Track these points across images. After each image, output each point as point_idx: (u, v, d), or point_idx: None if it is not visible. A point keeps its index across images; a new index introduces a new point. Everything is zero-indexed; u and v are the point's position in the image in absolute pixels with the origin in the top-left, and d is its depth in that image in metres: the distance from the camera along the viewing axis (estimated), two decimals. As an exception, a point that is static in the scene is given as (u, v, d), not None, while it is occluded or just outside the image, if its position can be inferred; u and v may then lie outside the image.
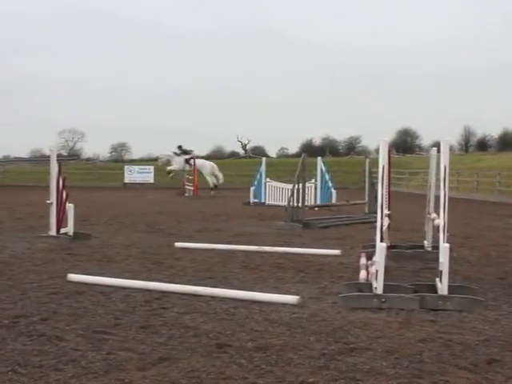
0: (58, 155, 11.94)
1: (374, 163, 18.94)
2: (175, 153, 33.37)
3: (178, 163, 32.77)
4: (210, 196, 29.24)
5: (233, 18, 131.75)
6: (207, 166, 32.41)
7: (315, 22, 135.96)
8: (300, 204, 15.64)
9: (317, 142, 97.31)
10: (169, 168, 33.39)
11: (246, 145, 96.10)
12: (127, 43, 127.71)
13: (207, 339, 5.32)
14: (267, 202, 24.24)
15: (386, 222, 7.42)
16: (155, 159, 74.13)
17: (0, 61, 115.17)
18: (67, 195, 12.16)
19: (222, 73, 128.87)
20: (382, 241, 6.94)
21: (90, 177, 44.71)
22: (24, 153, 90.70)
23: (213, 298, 6.89)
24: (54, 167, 11.95)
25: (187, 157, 32.41)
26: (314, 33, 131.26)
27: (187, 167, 32.02)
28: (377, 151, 71.96)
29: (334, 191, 22.80)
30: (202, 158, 38.95)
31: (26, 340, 5.26)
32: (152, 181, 42.22)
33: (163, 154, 34.49)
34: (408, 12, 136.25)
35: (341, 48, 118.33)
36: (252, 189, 25.34)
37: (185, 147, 33.59)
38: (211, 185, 31.72)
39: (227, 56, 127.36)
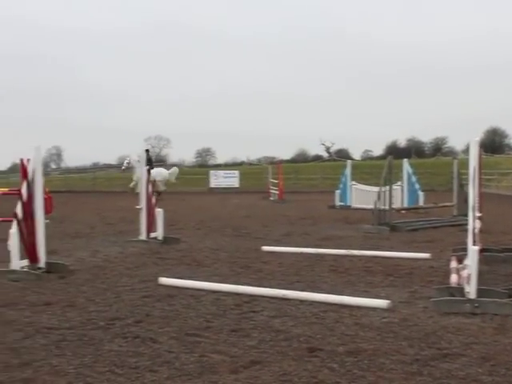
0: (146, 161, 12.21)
1: (462, 164, 18.60)
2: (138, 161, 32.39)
3: (137, 174, 31.42)
4: (295, 200, 29.18)
5: (305, 20, 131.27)
6: (163, 174, 33.43)
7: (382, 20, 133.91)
8: (387, 207, 15.44)
9: (402, 143, 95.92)
10: (133, 183, 31.98)
11: (329, 148, 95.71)
12: (198, 52, 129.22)
13: (298, 343, 5.32)
14: (353, 205, 24.04)
15: (478, 224, 7.24)
16: (240, 164, 74.99)
17: (90, 74, 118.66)
18: (157, 200, 12.42)
19: (301, 76, 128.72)
20: (474, 244, 6.78)
21: (176, 182, 45.48)
22: (112, 159, 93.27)
23: (302, 301, 6.88)
24: (144, 174, 12.21)
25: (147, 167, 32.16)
26: (385, 32, 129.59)
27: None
28: (464, 152, 70.36)
29: (421, 193, 22.45)
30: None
31: (121, 341, 5.40)
32: (237, 185, 42.58)
33: (129, 159, 33.38)
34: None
35: (417, 46, 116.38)
36: (337, 192, 25.20)
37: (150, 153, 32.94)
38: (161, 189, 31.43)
39: (305, 59, 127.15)
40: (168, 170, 34.39)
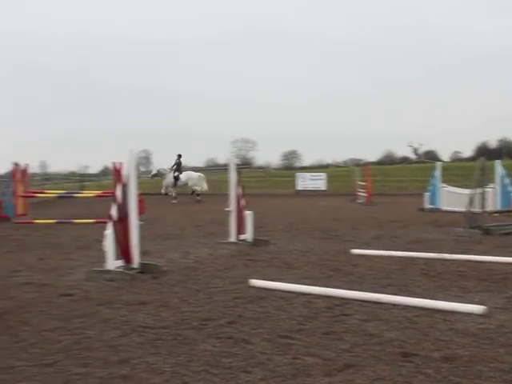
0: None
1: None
2: (170, 168, 32.75)
3: (169, 180, 32.55)
4: (383, 202, 28.80)
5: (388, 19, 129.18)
6: (194, 177, 32.95)
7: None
8: (479, 209, 15.05)
9: (492, 144, 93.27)
10: (163, 189, 33.09)
11: (417, 149, 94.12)
12: (285, 55, 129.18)
13: (392, 347, 5.26)
14: (443, 208, 23.53)
15: None
16: (326, 166, 74.71)
17: (177, 80, 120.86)
18: (246, 203, 12.53)
19: (384, 76, 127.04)
20: None
21: (263, 184, 45.73)
22: (199, 162, 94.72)
23: (394, 305, 6.80)
24: (233, 176, 12.34)
25: (176, 174, 32.10)
26: (469, 24, 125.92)
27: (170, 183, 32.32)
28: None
29: (514, 196, 21.74)
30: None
31: (215, 342, 5.48)
32: (324, 188, 42.40)
33: (160, 168, 33.86)
34: None
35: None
36: (427, 194, 24.72)
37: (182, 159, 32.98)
38: (198, 190, 32.45)
39: (390, 58, 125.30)
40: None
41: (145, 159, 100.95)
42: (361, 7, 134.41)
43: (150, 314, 6.52)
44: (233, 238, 12.31)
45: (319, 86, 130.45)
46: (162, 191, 32.65)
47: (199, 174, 34.18)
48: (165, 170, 32.72)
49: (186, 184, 32.38)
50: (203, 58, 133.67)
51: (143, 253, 9.78)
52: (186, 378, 4.52)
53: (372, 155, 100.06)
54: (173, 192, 31.89)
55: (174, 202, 30.30)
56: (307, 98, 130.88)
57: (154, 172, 34.23)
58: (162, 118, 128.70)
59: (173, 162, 32.73)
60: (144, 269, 9.11)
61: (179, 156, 32.52)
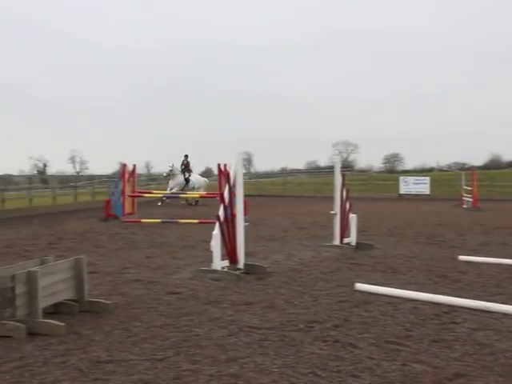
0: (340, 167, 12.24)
1: None
2: (181, 169, 29.82)
3: (177, 181, 29.47)
4: (490, 208, 27.93)
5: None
6: (203, 183, 30.72)
7: None
8: None
9: None
10: (168, 189, 29.41)
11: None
12: (383, 56, 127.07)
13: (504, 358, 5.10)
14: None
15: None
16: (429, 170, 73.21)
17: (278, 84, 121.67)
18: (350, 206, 12.46)
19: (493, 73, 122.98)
20: None
21: (365, 187, 45.22)
22: (300, 165, 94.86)
23: (505, 315, 6.59)
24: (338, 179, 12.29)
25: (187, 176, 29.64)
26: None
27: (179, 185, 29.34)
28: None
29: None
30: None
31: (321, 345, 5.48)
32: (428, 192, 41.53)
33: (172, 165, 29.83)
34: None
35: None
36: (537, 201, 23.82)
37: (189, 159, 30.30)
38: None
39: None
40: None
41: (246, 161, 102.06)
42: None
43: (256, 315, 6.60)
44: (337, 241, 12.25)
45: (422, 84, 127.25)
46: (168, 191, 28.78)
47: (205, 179, 32.36)
48: (177, 169, 29.65)
49: (193, 188, 29.60)
50: (304, 62, 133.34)
51: (248, 254, 9.89)
52: (294, 380, 4.55)
53: (477, 158, 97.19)
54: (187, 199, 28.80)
55: (159, 204, 28.08)
56: (409, 97, 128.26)
57: (168, 170, 30.09)
58: (263, 121, 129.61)
59: (180, 163, 30.14)
60: (249, 269, 9.23)
61: (186, 156, 30.18)
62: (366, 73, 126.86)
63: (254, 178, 54.38)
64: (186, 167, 29.78)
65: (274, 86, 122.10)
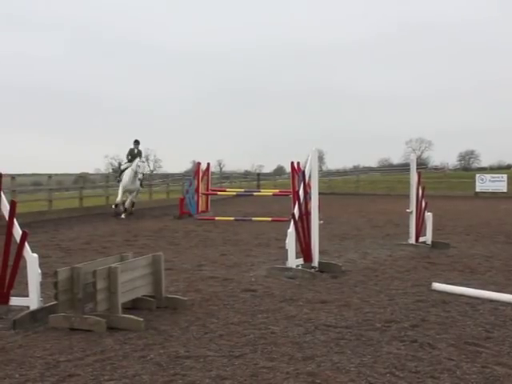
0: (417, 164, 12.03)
1: None
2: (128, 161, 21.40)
3: (128, 178, 20.40)
4: None
5: None
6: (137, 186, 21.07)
7: None
8: None
9: None
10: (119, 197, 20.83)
11: None
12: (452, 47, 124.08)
13: None
14: None
15: None
16: (507, 167, 71.32)
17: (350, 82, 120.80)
18: (426, 204, 12.26)
19: None
20: None
21: (440, 185, 44.40)
22: (372, 162, 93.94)
23: None
24: (414, 176, 12.10)
25: (140, 171, 20.49)
26: None
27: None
28: None
29: None
30: None
31: (399, 344, 5.43)
32: (505, 190, 40.48)
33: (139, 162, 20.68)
34: None
35: None
36: None
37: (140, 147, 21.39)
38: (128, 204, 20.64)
39: None
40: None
41: (318, 159, 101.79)
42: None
43: (332, 313, 6.57)
44: (412, 240, 12.07)
45: (496, 69, 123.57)
46: (119, 200, 20.67)
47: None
48: (140, 165, 20.45)
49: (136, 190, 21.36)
50: (376, 58, 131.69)
51: (322, 252, 9.87)
52: (372, 380, 4.52)
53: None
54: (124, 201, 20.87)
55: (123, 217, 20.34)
56: (483, 89, 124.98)
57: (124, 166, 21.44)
58: (334, 119, 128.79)
59: (127, 152, 21.53)
60: (323, 268, 9.20)
61: (137, 143, 21.23)
62: (437, 66, 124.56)
63: (326, 176, 54.06)
64: (133, 159, 20.82)
65: (346, 83, 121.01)
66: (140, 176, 20.56)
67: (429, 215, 12.20)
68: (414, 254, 11.24)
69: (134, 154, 20.99)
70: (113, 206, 21.20)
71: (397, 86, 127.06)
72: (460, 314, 6.58)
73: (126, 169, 20.83)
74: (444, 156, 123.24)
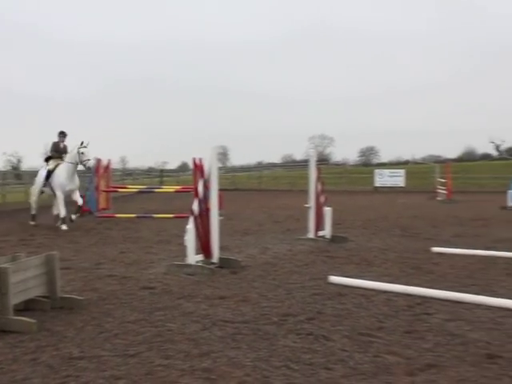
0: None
1: None
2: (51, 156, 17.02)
3: (66, 174, 15.90)
4: (463, 200, 28.14)
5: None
6: (61, 180, 16.11)
7: None
8: None
9: None
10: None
11: (499, 146, 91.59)
12: (354, 51, 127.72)
13: (475, 348, 5.14)
14: (527, 207, 22.83)
15: None
16: (404, 163, 73.60)
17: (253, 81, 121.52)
18: (325, 199, 12.47)
19: (464, 69, 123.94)
20: None
21: (341, 181, 45.39)
22: (276, 158, 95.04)
23: (477, 305, 6.64)
24: (313, 172, 12.29)
25: (51, 167, 16.38)
26: None
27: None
28: None
29: None
30: None
31: (295, 337, 5.48)
32: (402, 184, 41.84)
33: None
34: None
35: None
36: (510, 192, 24.04)
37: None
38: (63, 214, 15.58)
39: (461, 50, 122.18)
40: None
41: (222, 155, 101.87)
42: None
43: (230, 309, 6.58)
44: (311, 235, 12.27)
45: (394, 79, 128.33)
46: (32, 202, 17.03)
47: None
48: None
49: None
50: (279, 57, 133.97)
51: (222, 248, 9.88)
52: (267, 373, 4.54)
53: (451, 151, 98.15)
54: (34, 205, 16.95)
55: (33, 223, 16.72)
56: (383, 91, 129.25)
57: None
58: (240, 116, 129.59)
59: (51, 146, 17.28)
60: (223, 264, 9.20)
61: (62, 134, 16.97)
62: (341, 68, 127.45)
63: (229, 172, 54.26)
64: (59, 152, 16.75)
65: (252, 81, 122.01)
66: (87, 164, 15.81)
67: (328, 210, 12.42)
68: (312, 248, 11.42)
69: (60, 150, 16.68)
70: (59, 224, 15.43)
71: (302, 84, 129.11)
72: (355, 305, 6.73)
73: (55, 167, 16.05)
74: (345, 152, 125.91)
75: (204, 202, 9.10)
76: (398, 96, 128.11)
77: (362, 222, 16.88)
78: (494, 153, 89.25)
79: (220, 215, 9.73)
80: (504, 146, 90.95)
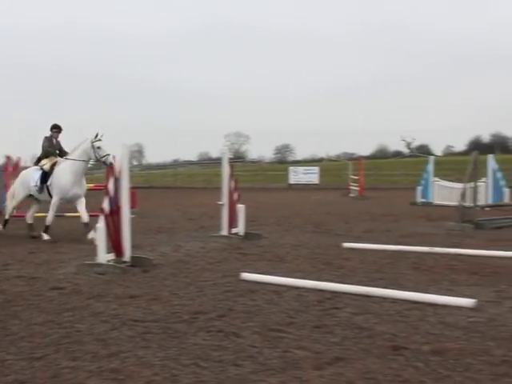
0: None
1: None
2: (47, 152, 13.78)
3: (73, 176, 13.15)
4: (375, 196, 28.78)
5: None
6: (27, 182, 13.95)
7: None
8: (471, 204, 15.08)
9: (485, 138, 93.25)
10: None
11: (410, 143, 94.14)
12: (273, 52, 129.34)
13: (382, 341, 5.25)
14: (435, 202, 23.57)
15: None
16: (319, 160, 74.68)
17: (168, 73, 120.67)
18: (238, 196, 12.51)
19: (377, 70, 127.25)
20: None
21: (256, 178, 45.67)
22: (192, 156, 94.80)
23: (385, 299, 6.80)
24: (226, 169, 12.30)
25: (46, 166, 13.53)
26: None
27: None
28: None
29: (506, 190, 21.85)
30: None
31: (205, 335, 5.46)
32: (317, 181, 42.45)
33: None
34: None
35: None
36: (419, 188, 24.78)
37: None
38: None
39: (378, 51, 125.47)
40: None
41: (137, 153, 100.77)
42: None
43: (140, 308, 6.50)
44: (225, 232, 12.29)
45: (311, 80, 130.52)
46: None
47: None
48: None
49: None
50: (195, 51, 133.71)
51: (135, 246, 9.75)
52: (176, 372, 4.50)
53: (366, 149, 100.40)
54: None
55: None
56: (300, 91, 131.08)
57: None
58: (153, 112, 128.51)
59: (44, 142, 13.85)
60: (135, 262, 9.09)
61: (57, 129, 13.91)
62: (258, 65, 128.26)
63: (145, 170, 53.72)
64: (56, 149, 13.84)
65: (167, 75, 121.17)
66: (109, 160, 12.60)
67: (241, 207, 12.46)
68: (226, 245, 11.43)
69: (57, 147, 13.79)
70: (42, 234, 13.15)
71: (220, 80, 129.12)
72: (266, 301, 6.76)
73: (52, 166, 13.27)
74: (261, 150, 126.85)
75: (115, 200, 8.97)
76: (316, 96, 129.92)
77: (275, 218, 17.03)
78: (406, 150, 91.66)
79: (132, 213, 9.61)
80: (415, 144, 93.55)
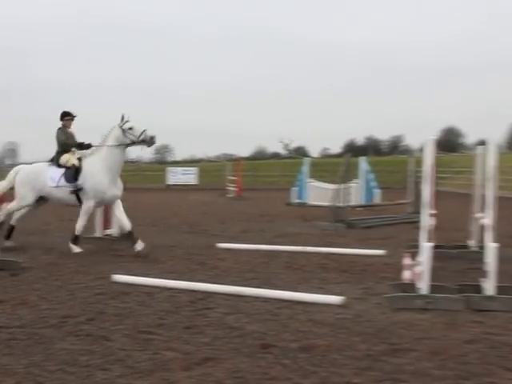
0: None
1: (418, 162, 18.64)
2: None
3: (111, 172, 11.12)
4: (253, 197, 29.12)
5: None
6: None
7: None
8: (343, 204, 15.56)
9: (360, 141, 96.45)
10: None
11: (288, 145, 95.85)
12: (152, 48, 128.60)
13: (252, 340, 5.33)
14: (310, 203, 24.12)
15: (432, 221, 7.31)
16: (198, 161, 74.64)
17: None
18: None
19: (258, 73, 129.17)
20: (427, 241, 6.85)
21: (134, 178, 45.03)
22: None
23: (256, 298, 6.91)
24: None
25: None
26: (340, 32, 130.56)
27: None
28: (420, 150, 70.85)
29: (377, 191, 22.68)
30: None
31: (73, 340, 5.35)
32: (195, 182, 42.41)
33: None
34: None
35: (377, 47, 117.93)
36: (294, 189, 25.29)
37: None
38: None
39: (261, 55, 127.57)
40: None
41: (11, 151, 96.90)
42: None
43: (5, 313, 6.26)
44: (98, 233, 12.07)
45: (192, 81, 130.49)
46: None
47: None
48: None
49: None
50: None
51: (3, 249, 9.40)
52: (40, 379, 4.38)
53: (245, 151, 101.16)
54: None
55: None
56: (180, 92, 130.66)
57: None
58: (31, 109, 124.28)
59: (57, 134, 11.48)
60: (3, 266, 8.75)
61: (69, 117, 11.62)
62: (135, 63, 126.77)
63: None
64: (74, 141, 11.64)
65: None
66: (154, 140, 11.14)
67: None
68: (99, 247, 11.23)
69: (77, 141, 11.57)
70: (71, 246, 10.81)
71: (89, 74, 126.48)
72: (138, 303, 6.71)
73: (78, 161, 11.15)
74: (140, 150, 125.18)
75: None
76: (197, 96, 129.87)
77: (152, 219, 16.89)
78: (283, 152, 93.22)
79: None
80: (292, 146, 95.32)
